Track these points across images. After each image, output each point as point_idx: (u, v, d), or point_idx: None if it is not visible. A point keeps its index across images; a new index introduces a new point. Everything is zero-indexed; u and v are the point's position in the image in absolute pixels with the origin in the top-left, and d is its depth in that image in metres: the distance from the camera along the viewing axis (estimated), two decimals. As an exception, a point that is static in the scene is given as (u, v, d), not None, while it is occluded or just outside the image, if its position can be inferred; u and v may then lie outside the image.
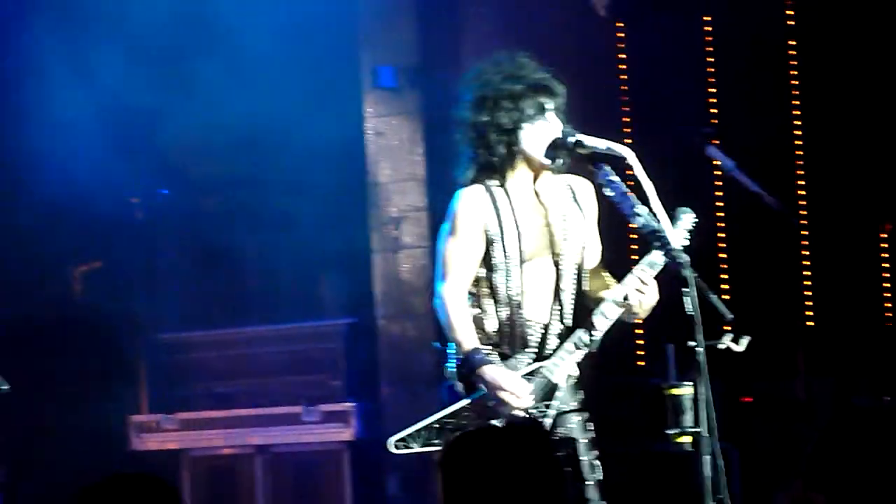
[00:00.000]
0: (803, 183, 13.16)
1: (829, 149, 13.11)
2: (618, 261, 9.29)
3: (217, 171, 13.28)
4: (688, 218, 8.94)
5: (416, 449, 8.74)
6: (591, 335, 8.76)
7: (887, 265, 12.82)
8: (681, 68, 13.32)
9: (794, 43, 13.40)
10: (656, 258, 8.77)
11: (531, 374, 8.79)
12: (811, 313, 13.01)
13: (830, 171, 13.08)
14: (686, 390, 8.65)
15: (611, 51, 13.40)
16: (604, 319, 8.72)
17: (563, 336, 8.84)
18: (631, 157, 8.69)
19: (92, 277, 13.90)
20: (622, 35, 13.37)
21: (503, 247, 8.90)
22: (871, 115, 12.88)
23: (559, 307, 8.92)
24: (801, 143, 13.25)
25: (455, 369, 8.82)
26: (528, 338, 8.87)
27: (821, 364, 12.35)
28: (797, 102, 13.32)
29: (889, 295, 12.86)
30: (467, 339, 8.74)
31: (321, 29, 12.63)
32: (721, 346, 8.56)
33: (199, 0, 12.77)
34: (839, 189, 12.95)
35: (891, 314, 12.82)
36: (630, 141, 10.16)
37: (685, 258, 8.57)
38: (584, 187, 9.01)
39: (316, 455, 12.89)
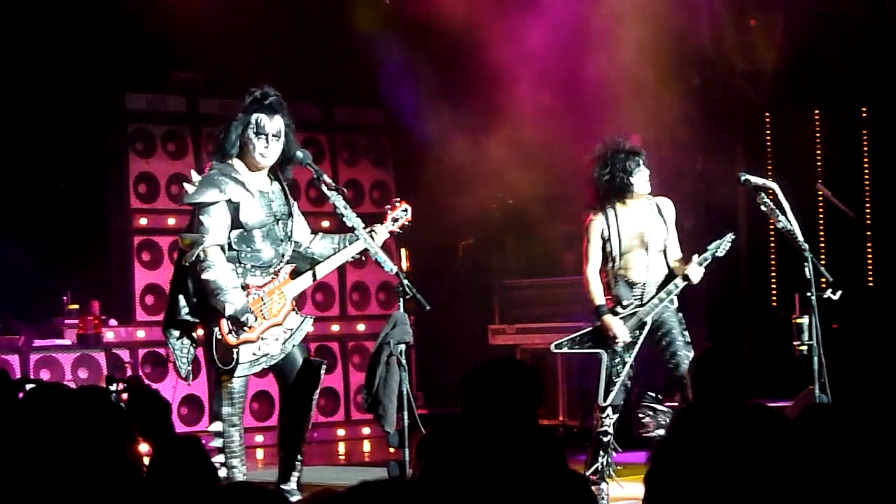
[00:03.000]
0: (869, 208, 13.12)
1: (886, 182, 12.99)
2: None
3: (535, 191, 12.61)
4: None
5: (565, 350, 9.07)
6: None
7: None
8: (798, 134, 13.18)
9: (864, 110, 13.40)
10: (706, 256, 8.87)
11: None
12: (871, 279, 12.95)
13: (885, 196, 12.97)
14: (804, 320, 8.85)
15: (764, 126, 13.31)
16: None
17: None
18: (776, 187, 9.04)
19: (468, 248, 13.85)
20: (769, 119, 13.31)
21: None
22: None
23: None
24: (868, 181, 13.30)
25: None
26: None
27: (877, 307, 12.27)
28: (867, 150, 13.39)
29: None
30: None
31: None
32: (825, 296, 8.87)
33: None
34: (889, 207, 12.84)
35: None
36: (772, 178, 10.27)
37: (805, 245, 8.87)
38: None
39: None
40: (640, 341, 8.85)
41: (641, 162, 8.94)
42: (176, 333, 8.19)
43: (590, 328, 8.92)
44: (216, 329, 8.01)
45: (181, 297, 8.14)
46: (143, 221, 12.65)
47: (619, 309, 8.87)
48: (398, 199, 8.82)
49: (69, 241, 12.57)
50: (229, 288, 7.96)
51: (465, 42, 11.74)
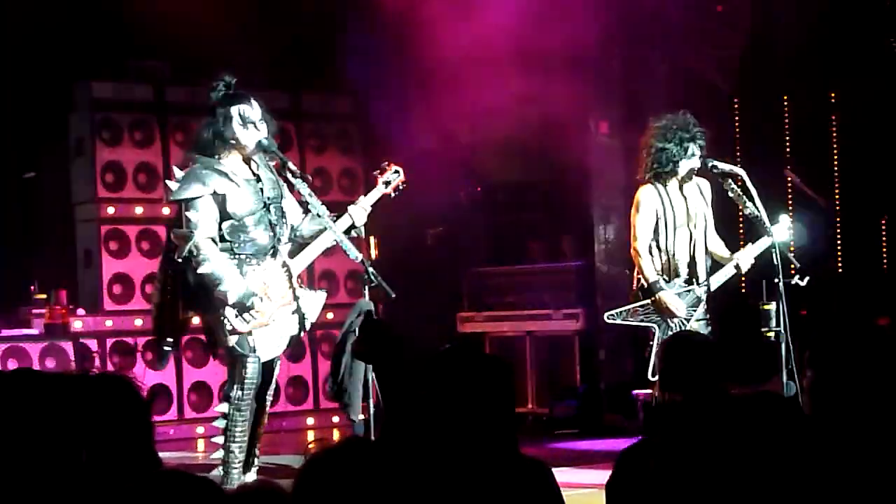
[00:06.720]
0: (838, 193, 12.95)
1: (854, 168, 12.76)
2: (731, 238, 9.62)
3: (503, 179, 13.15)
4: (785, 219, 9.30)
5: (619, 321, 9.05)
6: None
7: (885, 243, 12.67)
8: (766, 120, 13.01)
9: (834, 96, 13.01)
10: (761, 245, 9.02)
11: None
12: (840, 265, 12.79)
13: (853, 182, 12.78)
14: (772, 306, 8.86)
15: (732, 113, 13.19)
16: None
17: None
18: (743, 174, 9.08)
19: (437, 236, 13.75)
20: (737, 105, 13.16)
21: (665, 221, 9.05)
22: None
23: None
24: (837, 167, 13.21)
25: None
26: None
27: (845, 295, 12.12)
28: (836, 136, 13.25)
29: (885, 257, 12.74)
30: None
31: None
32: (793, 283, 8.95)
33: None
34: (858, 194, 12.73)
35: (886, 268, 12.72)
36: (741, 164, 10.21)
37: (772, 231, 8.95)
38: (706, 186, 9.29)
39: (559, 337, 12.63)
40: (693, 318, 9.00)
41: (701, 145, 9.09)
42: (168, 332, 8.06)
43: (644, 301, 8.95)
44: (225, 319, 7.88)
45: (180, 291, 8.00)
46: (111, 210, 12.47)
47: (674, 284, 9.01)
48: (387, 161, 8.71)
49: (36, 231, 12.49)
50: (227, 276, 7.85)
51: (432, 29, 11.63)
